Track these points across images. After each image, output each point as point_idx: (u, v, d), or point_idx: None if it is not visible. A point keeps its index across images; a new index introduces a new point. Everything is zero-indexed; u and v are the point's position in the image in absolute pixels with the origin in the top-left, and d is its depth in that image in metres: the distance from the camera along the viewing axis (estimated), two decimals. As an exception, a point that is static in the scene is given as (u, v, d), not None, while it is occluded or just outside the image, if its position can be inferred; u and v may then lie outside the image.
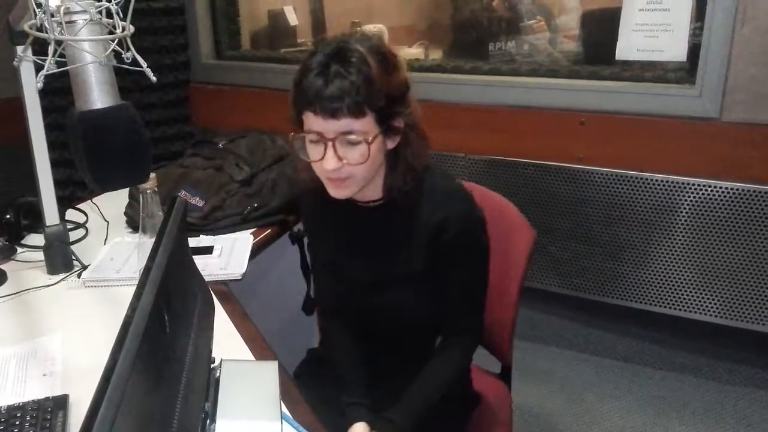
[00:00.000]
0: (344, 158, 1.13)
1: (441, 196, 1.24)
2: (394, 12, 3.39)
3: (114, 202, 1.78)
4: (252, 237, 1.63)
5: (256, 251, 1.58)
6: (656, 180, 2.17)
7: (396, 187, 1.22)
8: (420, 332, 1.36)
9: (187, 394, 0.69)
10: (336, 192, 1.19)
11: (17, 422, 0.95)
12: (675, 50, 2.14)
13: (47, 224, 1.44)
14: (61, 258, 1.48)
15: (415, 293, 1.29)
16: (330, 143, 1.12)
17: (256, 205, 1.69)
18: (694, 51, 2.09)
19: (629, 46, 2.20)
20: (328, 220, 1.36)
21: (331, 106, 1.08)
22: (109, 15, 0.82)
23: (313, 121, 1.12)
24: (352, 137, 1.11)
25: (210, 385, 0.80)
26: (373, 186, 1.23)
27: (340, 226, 1.34)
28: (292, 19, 3.34)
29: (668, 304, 2.27)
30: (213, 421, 0.75)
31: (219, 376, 0.81)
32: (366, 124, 1.11)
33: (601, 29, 2.38)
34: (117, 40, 0.82)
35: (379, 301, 1.32)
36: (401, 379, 1.31)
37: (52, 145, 1.40)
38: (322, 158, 1.14)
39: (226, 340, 1.19)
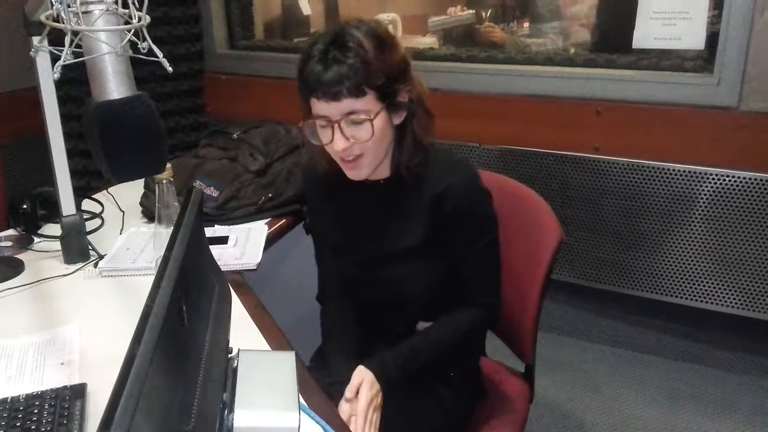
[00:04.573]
0: (351, 137, 1.19)
1: (443, 167, 1.27)
2: (407, 0, 3.37)
3: (129, 192, 1.78)
4: (266, 227, 1.63)
5: (270, 241, 1.58)
6: (673, 170, 2.15)
7: (403, 162, 1.26)
8: (420, 314, 1.37)
9: (206, 384, 0.69)
10: (352, 173, 1.25)
11: (36, 410, 0.96)
12: (693, 38, 2.11)
13: (64, 214, 1.45)
14: (77, 248, 1.48)
15: (417, 267, 1.31)
16: (336, 125, 1.18)
17: (270, 195, 1.69)
18: (712, 39, 2.06)
19: (646, 34, 2.17)
20: (331, 197, 1.39)
21: (331, 90, 1.15)
22: (125, 5, 0.82)
23: (318, 106, 1.18)
24: (356, 116, 1.17)
25: (228, 376, 0.80)
26: (383, 164, 1.28)
27: (343, 204, 1.38)
28: (306, 8, 3.32)
29: (685, 294, 2.25)
30: (231, 411, 0.75)
31: (236, 366, 0.81)
32: (368, 103, 1.17)
33: (618, 17, 2.35)
34: (133, 30, 0.82)
35: (382, 276, 1.34)
36: None
37: (67, 136, 1.40)
38: (332, 141, 1.19)
39: (242, 330, 1.19)
